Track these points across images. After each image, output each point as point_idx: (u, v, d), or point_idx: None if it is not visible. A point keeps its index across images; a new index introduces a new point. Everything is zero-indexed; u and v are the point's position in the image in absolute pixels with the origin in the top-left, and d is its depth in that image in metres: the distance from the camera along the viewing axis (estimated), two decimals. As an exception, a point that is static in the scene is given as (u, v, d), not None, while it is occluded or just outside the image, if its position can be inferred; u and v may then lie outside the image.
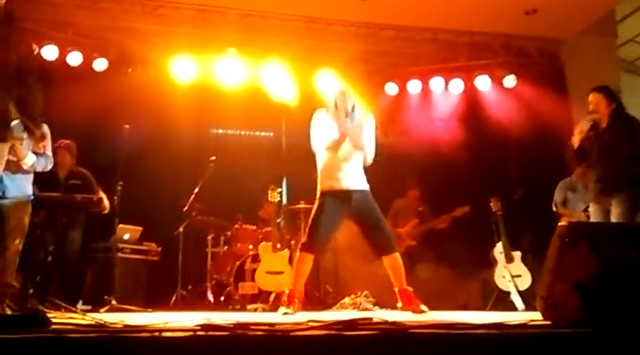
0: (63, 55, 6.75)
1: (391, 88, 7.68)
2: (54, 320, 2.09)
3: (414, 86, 7.68)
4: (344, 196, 4.31)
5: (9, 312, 2.39)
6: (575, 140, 4.45)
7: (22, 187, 4.65)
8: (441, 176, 6.97)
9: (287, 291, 4.37)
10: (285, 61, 7.15)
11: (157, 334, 1.77)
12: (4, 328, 1.75)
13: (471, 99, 7.70)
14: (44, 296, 4.82)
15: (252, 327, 1.91)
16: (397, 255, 4.35)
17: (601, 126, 4.48)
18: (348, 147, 4.37)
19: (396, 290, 4.36)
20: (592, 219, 4.58)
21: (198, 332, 1.83)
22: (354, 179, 4.37)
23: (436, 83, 7.66)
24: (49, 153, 4.87)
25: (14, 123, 4.66)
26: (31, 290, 4.92)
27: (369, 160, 4.47)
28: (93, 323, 2.12)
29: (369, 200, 4.38)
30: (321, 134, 4.40)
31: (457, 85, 7.68)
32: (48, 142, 4.85)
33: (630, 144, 4.38)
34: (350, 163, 4.38)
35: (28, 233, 5.46)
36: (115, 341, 1.69)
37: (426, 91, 7.77)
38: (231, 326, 1.90)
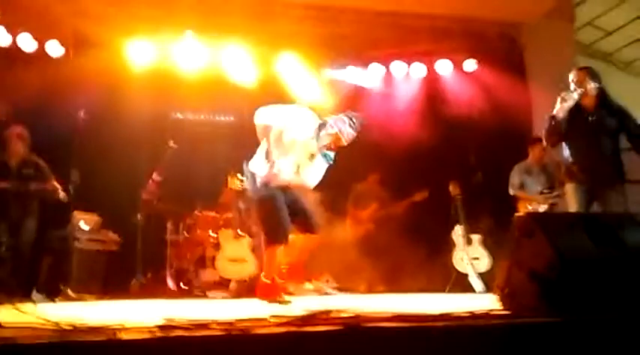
0: (14, 37, 6.49)
1: (351, 72, 7.65)
2: (4, 318, 2.02)
3: (375, 70, 7.67)
4: (284, 187, 4.31)
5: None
6: (561, 110, 4.30)
7: None
8: (401, 160, 7.00)
9: (264, 283, 4.27)
10: (246, 44, 7.03)
11: (112, 336, 1.72)
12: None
13: (432, 84, 7.73)
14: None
15: (212, 326, 1.88)
16: (316, 236, 4.37)
17: (585, 105, 4.39)
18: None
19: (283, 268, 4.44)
20: (570, 198, 4.47)
21: (157, 333, 1.79)
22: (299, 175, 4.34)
23: (397, 67, 7.67)
24: None
25: None
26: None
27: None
28: (45, 322, 2.05)
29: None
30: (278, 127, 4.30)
31: (418, 70, 7.70)
32: None
33: (619, 129, 4.36)
34: (298, 161, 4.32)
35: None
36: (69, 346, 1.63)
37: (387, 76, 7.76)
38: (191, 326, 1.87)
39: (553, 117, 4.36)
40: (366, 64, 7.64)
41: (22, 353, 1.56)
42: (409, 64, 7.68)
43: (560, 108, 4.32)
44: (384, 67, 7.70)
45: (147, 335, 1.75)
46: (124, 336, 1.74)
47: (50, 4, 6.39)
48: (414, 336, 1.99)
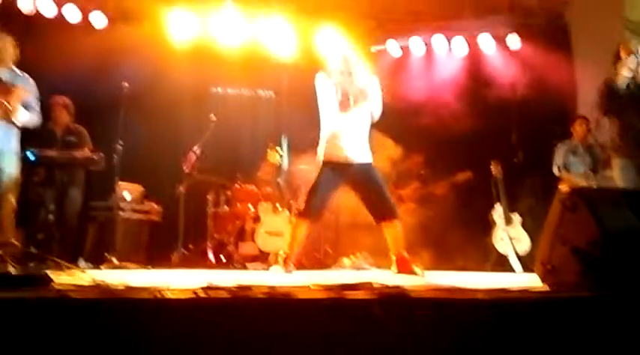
0: (59, 8, 6.63)
1: (393, 46, 7.57)
2: (56, 280, 2.10)
3: (416, 45, 7.57)
4: (344, 168, 4.25)
5: (12, 271, 2.40)
6: (621, 77, 4.13)
7: (11, 140, 4.62)
8: (442, 139, 6.92)
9: (282, 254, 4.38)
10: (286, 16, 7.01)
11: (157, 295, 1.78)
12: (6, 287, 1.75)
13: (474, 60, 7.59)
14: (46, 254, 4.86)
15: (253, 289, 1.92)
16: (396, 222, 4.30)
17: (637, 78, 4.21)
18: (352, 115, 4.29)
19: (393, 255, 4.34)
20: (618, 174, 4.36)
21: (200, 294, 1.84)
22: (356, 150, 4.29)
23: (439, 42, 7.54)
24: (37, 108, 4.83)
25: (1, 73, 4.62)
26: (33, 249, 4.93)
27: (375, 118, 4.42)
28: (94, 283, 2.13)
29: (370, 173, 4.31)
30: (326, 100, 4.32)
31: (460, 45, 7.56)
32: (31, 95, 4.79)
33: None
34: (354, 132, 4.30)
35: (29, 191, 5.49)
36: (117, 302, 1.70)
37: (429, 52, 7.66)
38: (233, 288, 1.91)
39: (610, 84, 4.22)
40: (407, 38, 7.54)
41: (73, 308, 1.62)
42: (450, 39, 7.55)
43: (621, 73, 4.18)
44: (424, 42, 7.59)
45: (191, 295, 1.79)
46: (169, 295, 1.79)
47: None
48: (453, 307, 1.99)
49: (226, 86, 7.58)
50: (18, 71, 4.81)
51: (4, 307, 1.56)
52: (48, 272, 2.13)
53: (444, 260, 6.14)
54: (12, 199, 4.64)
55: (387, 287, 2.15)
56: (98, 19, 6.86)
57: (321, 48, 7.10)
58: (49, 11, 6.61)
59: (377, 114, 4.40)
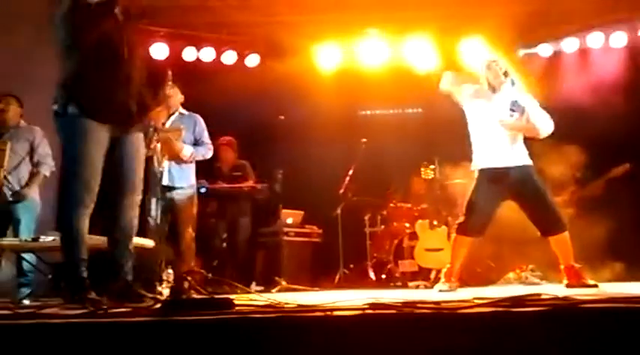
0: (218, 54, 7.26)
1: (544, 50, 7.24)
2: (235, 302, 2.29)
3: (569, 45, 7.17)
4: (502, 175, 4.10)
5: (197, 296, 2.66)
6: None
7: (187, 178, 5.09)
8: (598, 137, 6.43)
9: (444, 270, 4.33)
10: (428, 34, 7.02)
11: (328, 313, 1.88)
12: (196, 310, 1.97)
13: (630, 54, 7.00)
14: (221, 279, 5.28)
15: (418, 305, 1.96)
16: (565, 234, 4.07)
17: None
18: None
19: (562, 267, 4.11)
20: None
21: (367, 311, 1.92)
22: (512, 154, 4.14)
23: (594, 39, 7.08)
24: (207, 140, 5.26)
25: (172, 117, 5.12)
26: (209, 275, 5.37)
27: (544, 133, 4.21)
28: (269, 303, 2.30)
29: (530, 177, 4.13)
30: (473, 109, 4.26)
31: (618, 39, 7.02)
32: (200, 130, 5.22)
33: None
34: (507, 137, 4.16)
35: (203, 222, 6.04)
36: (292, 320, 1.83)
37: (582, 48, 7.21)
38: (399, 304, 1.96)
39: None
40: (559, 39, 7.17)
41: (253, 326, 1.78)
42: (607, 35, 7.05)
43: None
44: (578, 40, 7.16)
45: (358, 313, 1.88)
46: (338, 313, 1.89)
47: (248, 18, 7.03)
48: (632, 318, 1.86)
49: (374, 108, 7.75)
50: (186, 112, 5.30)
51: (196, 329, 1.76)
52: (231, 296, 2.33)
53: (611, 268, 5.66)
54: (191, 231, 5.11)
55: (557, 298, 2.07)
56: (251, 59, 7.39)
57: (464, 59, 6.99)
58: (209, 57, 7.25)
59: (543, 127, 4.20)
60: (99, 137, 3.10)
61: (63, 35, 3.11)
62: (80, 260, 3.06)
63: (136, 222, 3.26)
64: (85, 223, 3.09)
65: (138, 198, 3.25)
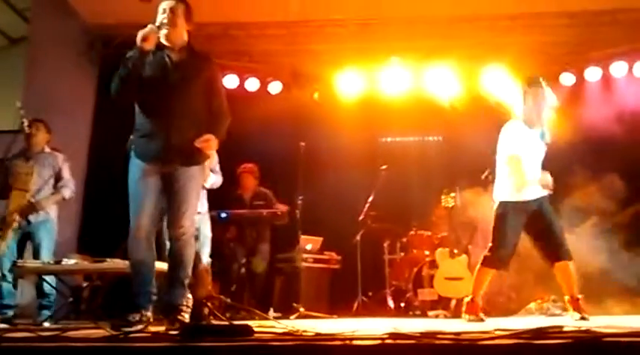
0: (242, 81, 7.36)
1: (567, 79, 7.22)
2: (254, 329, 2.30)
3: (592, 74, 7.15)
4: (527, 205, 4.15)
5: (214, 322, 2.67)
6: None
7: (203, 204, 5.13)
8: (621, 165, 6.34)
9: (467, 300, 4.30)
10: (450, 62, 7.06)
11: (347, 342, 1.88)
12: (216, 337, 1.98)
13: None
14: (240, 305, 5.28)
15: (438, 336, 1.95)
16: (568, 263, 4.10)
17: None
18: (534, 152, 4.20)
19: (566, 298, 4.14)
20: None
21: (387, 341, 1.91)
22: (537, 187, 4.16)
23: (617, 67, 7.05)
24: (218, 169, 5.30)
25: None
26: (228, 300, 5.38)
27: None
28: (288, 331, 2.30)
29: (546, 205, 4.19)
30: (517, 147, 4.19)
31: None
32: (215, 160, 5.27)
33: None
34: (535, 168, 4.19)
35: (222, 248, 6.06)
36: (312, 349, 1.82)
37: (606, 78, 7.18)
38: (418, 335, 1.95)
39: None
40: (581, 68, 7.16)
41: (272, 353, 1.78)
42: (632, 63, 7.02)
43: None
44: (601, 69, 7.14)
45: (378, 342, 1.87)
46: (357, 342, 1.88)
47: (269, 46, 7.13)
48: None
49: (395, 135, 7.77)
50: None
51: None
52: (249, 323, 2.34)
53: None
54: (207, 255, 5.13)
55: (580, 331, 2.04)
56: (274, 86, 7.48)
57: (487, 89, 7.00)
58: (232, 84, 7.34)
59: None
60: (145, 175, 3.41)
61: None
62: (138, 284, 3.39)
63: (181, 252, 3.49)
64: (139, 249, 3.40)
65: (179, 230, 3.45)
